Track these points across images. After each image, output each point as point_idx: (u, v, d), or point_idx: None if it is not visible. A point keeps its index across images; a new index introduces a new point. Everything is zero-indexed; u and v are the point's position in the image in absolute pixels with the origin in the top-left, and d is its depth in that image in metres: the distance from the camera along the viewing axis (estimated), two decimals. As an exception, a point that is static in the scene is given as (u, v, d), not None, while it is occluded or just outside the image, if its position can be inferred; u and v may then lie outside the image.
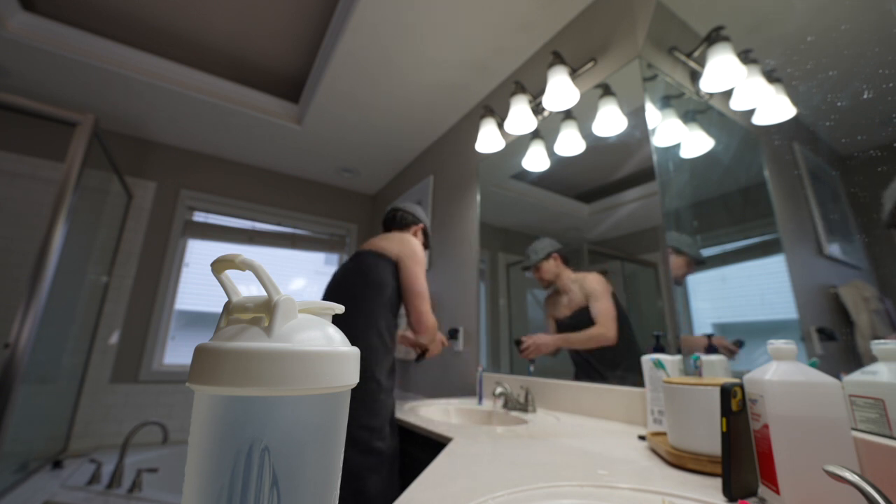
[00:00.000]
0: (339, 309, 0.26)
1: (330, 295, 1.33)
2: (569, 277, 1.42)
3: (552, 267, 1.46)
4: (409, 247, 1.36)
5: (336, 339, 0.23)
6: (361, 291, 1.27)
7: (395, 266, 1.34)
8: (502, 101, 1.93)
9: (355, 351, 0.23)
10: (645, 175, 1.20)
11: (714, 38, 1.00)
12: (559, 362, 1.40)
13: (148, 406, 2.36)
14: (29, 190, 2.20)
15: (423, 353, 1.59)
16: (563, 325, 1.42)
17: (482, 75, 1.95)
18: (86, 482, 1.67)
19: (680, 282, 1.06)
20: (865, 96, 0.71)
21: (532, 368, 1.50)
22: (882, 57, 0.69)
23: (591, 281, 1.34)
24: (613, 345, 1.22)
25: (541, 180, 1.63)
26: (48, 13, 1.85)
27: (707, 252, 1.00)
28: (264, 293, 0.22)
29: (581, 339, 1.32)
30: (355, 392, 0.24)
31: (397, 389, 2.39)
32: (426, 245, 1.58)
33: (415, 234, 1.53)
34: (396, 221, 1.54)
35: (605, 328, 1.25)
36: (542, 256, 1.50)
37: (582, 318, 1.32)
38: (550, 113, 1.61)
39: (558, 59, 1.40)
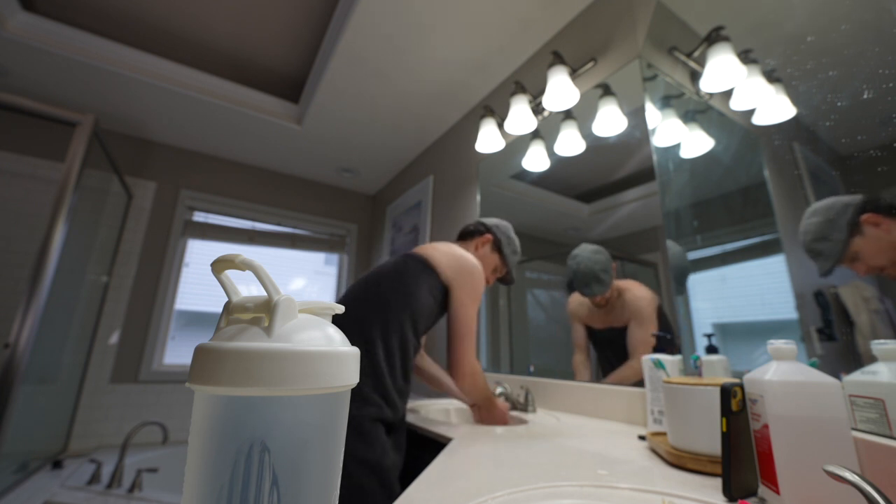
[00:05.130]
0: (339, 309, 0.26)
1: (356, 286, 1.14)
2: (616, 288, 1.24)
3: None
4: (467, 277, 1.13)
5: (336, 339, 0.23)
6: (383, 293, 1.09)
7: (443, 287, 1.12)
8: (502, 101, 1.93)
9: (355, 351, 0.23)
10: (645, 175, 1.20)
11: (714, 38, 1.00)
12: (559, 362, 1.40)
13: (148, 406, 2.36)
14: (29, 190, 2.20)
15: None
16: (596, 338, 1.30)
17: (482, 75, 1.95)
18: (86, 482, 1.67)
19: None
20: (865, 96, 0.71)
21: (532, 368, 1.50)
22: (882, 57, 0.69)
23: (642, 301, 1.15)
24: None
25: (541, 180, 1.63)
26: (48, 13, 1.85)
27: (707, 252, 1.00)
28: (264, 293, 0.22)
29: (616, 380, 1.19)
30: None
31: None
32: (502, 260, 1.31)
33: (476, 248, 1.30)
34: (466, 232, 1.35)
35: (639, 363, 1.11)
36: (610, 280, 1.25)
37: (615, 336, 1.21)
38: (550, 113, 1.61)
39: (558, 59, 1.40)
